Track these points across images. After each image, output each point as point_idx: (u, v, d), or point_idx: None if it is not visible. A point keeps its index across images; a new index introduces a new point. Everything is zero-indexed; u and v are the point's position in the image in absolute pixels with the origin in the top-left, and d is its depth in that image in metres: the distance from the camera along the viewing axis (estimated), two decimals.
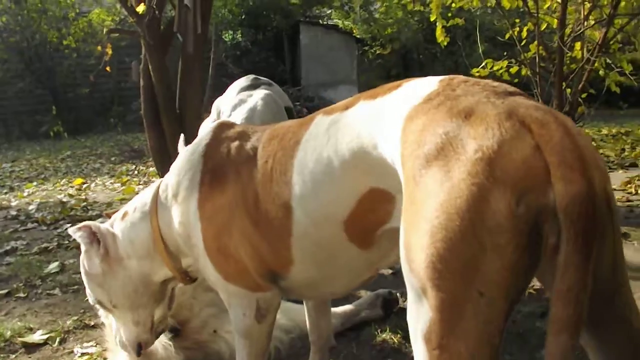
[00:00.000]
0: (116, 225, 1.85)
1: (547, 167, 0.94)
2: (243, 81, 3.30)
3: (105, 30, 6.35)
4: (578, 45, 5.33)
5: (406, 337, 2.29)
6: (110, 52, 6.18)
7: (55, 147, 11.31)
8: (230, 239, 1.57)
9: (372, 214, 1.35)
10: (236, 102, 3.00)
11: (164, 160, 5.67)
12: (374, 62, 17.08)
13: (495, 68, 6.05)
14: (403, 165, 1.12)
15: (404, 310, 2.50)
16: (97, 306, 1.97)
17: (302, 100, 12.83)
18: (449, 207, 0.97)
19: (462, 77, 1.21)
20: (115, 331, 2.00)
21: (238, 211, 1.55)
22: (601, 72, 5.38)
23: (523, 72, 5.74)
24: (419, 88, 1.22)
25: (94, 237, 1.82)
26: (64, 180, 7.40)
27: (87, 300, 2.97)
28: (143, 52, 6.35)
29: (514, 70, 5.96)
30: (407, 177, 1.09)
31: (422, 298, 1.02)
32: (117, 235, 1.83)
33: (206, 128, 1.84)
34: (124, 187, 6.41)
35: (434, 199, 1.00)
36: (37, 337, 2.53)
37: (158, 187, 1.81)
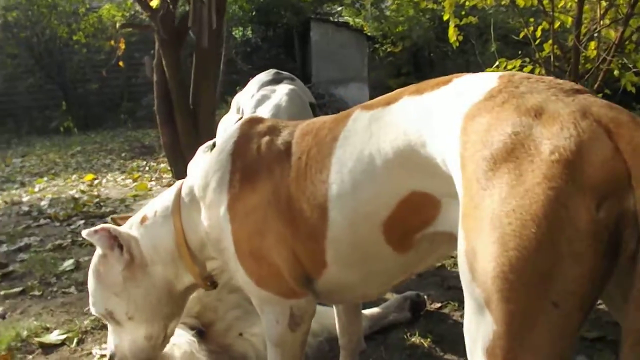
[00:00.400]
0: (135, 229, 1.75)
1: (627, 169, 0.88)
2: (264, 76, 3.18)
3: (117, 24, 6.28)
4: (592, 44, 5.27)
5: (437, 341, 2.24)
6: (123, 46, 6.12)
7: (66, 143, 11.27)
8: (263, 240, 1.48)
9: (413, 217, 1.28)
10: (259, 98, 2.89)
11: (177, 157, 5.61)
12: (385, 59, 16.97)
13: (509, 67, 6.00)
14: (463, 167, 1.04)
15: (432, 313, 2.49)
16: (103, 318, 1.82)
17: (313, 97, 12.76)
18: (523, 213, 0.90)
19: (522, 73, 1.16)
20: (113, 349, 1.83)
21: (270, 211, 1.46)
22: (616, 72, 5.32)
23: (537, 71, 5.68)
24: (476, 84, 1.15)
25: (114, 242, 1.71)
26: (74, 175, 7.35)
27: None
28: (156, 47, 6.29)
29: (527, 69, 5.90)
30: (468, 179, 1.02)
31: (485, 310, 0.95)
32: (139, 240, 1.74)
33: (233, 124, 1.75)
34: (136, 184, 6.36)
35: (504, 203, 0.92)
36: (54, 337, 2.47)
37: (179, 190, 1.73)
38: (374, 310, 2.40)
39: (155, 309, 1.74)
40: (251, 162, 1.54)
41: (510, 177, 0.93)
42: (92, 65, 13.75)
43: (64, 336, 2.47)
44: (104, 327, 2.55)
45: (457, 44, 6.01)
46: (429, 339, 2.24)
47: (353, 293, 1.60)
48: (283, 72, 3.22)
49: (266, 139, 1.56)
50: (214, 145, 1.75)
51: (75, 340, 2.44)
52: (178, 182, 1.79)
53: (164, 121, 6.27)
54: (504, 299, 0.91)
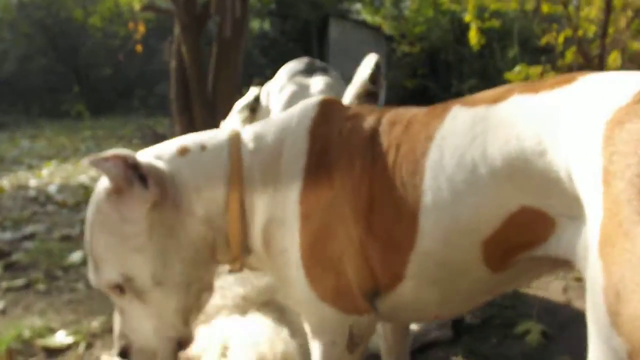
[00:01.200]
0: (167, 161, 1.34)
1: None
2: (296, 64, 2.89)
3: (138, 7, 6.06)
4: (614, 54, 5.14)
5: None
6: (142, 29, 5.90)
7: (76, 127, 11.08)
8: (335, 245, 1.23)
9: (520, 236, 1.08)
10: (290, 94, 2.61)
11: None
12: (402, 59, 16.78)
13: (530, 73, 5.85)
14: (607, 184, 0.82)
15: (474, 332, 2.26)
16: (114, 293, 1.32)
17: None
18: None
19: None
20: (123, 330, 1.36)
21: (347, 210, 1.22)
22: None
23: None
24: (615, 84, 0.93)
25: (133, 174, 1.26)
26: (84, 160, 7.13)
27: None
28: (175, 33, 6.07)
29: (551, 75, 5.75)
30: (615, 199, 0.79)
31: None
32: (174, 175, 1.32)
33: (304, 102, 1.44)
34: None
35: None
36: (59, 340, 2.23)
37: (238, 133, 1.39)
38: (415, 327, 2.18)
39: (190, 269, 1.33)
40: (330, 148, 1.28)
41: None
42: (106, 50, 13.60)
43: (70, 339, 2.23)
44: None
45: (478, 46, 5.86)
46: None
47: (423, 313, 1.36)
48: (316, 61, 2.94)
49: (349, 125, 1.31)
50: (250, 106, 1.46)
51: (83, 344, 2.21)
52: (226, 132, 1.41)
53: (181, 110, 6.06)
54: None
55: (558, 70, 5.67)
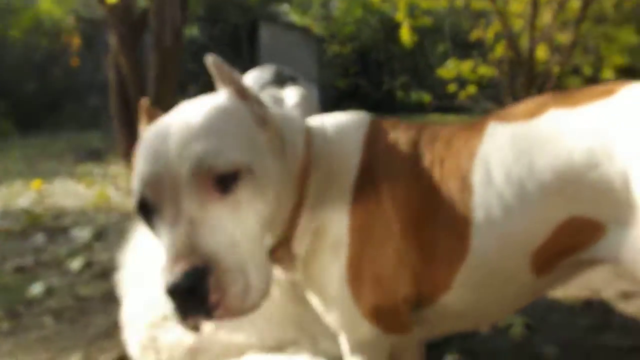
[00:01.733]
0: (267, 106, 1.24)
1: None
2: (263, 74, 2.72)
3: (68, 19, 5.77)
4: (542, 47, 5.36)
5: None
6: (78, 41, 5.66)
7: (4, 147, 10.52)
8: (384, 260, 1.20)
9: (567, 242, 1.12)
10: (269, 102, 2.48)
11: None
12: (334, 60, 16.88)
13: (461, 69, 6.03)
14: None
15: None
16: (211, 183, 1.05)
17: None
18: None
19: None
20: (201, 245, 1.01)
21: (395, 225, 1.20)
22: (561, 75, 5.51)
23: (485, 71, 5.72)
24: None
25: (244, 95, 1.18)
26: (18, 182, 6.76)
27: (91, 330, 2.57)
28: (111, 42, 5.87)
29: (482, 70, 5.93)
30: None
31: None
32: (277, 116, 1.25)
33: (349, 117, 1.38)
34: (89, 191, 5.85)
35: None
36: None
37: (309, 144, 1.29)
38: None
39: (276, 205, 1.14)
40: (380, 161, 1.26)
41: None
42: (29, 64, 12.98)
43: None
44: None
45: (411, 44, 5.97)
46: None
47: (466, 320, 1.35)
48: (284, 69, 2.80)
49: (392, 138, 1.29)
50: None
51: None
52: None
53: (122, 123, 5.85)
54: None
55: (489, 64, 5.86)
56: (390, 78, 15.85)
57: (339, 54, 16.81)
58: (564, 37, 5.24)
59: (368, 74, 16.87)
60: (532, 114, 1.16)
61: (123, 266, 2.08)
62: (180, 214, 1.01)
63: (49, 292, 2.97)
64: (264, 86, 2.66)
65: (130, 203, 1.17)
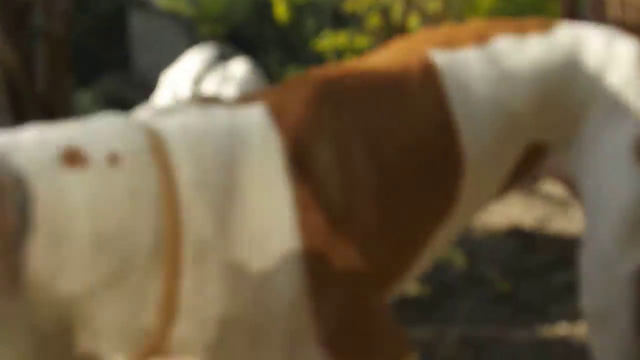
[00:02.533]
0: None
1: None
2: (205, 54, 2.77)
3: None
4: (414, 16, 5.67)
5: None
6: None
7: None
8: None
9: (524, 166, 1.15)
10: (219, 78, 2.52)
11: None
12: (206, 41, 16.81)
13: (337, 41, 6.24)
14: None
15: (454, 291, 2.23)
16: None
17: (133, 84, 12.36)
18: None
19: None
20: None
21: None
22: None
23: (361, 41, 5.96)
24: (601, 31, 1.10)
25: None
26: None
27: None
28: None
29: (360, 39, 6.19)
30: None
31: None
32: None
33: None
34: None
35: None
36: None
37: None
38: None
39: None
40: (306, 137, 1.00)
41: None
42: None
43: None
44: None
45: (287, 20, 6.13)
46: None
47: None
48: (220, 46, 2.81)
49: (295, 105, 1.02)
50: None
51: None
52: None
53: (14, 118, 5.78)
54: None
55: (365, 34, 6.09)
56: (265, 53, 16.01)
57: (211, 35, 16.75)
58: (434, 6, 5.55)
59: (241, 52, 16.94)
60: (481, 38, 1.03)
61: None
62: None
63: None
64: (209, 66, 2.76)
65: None
